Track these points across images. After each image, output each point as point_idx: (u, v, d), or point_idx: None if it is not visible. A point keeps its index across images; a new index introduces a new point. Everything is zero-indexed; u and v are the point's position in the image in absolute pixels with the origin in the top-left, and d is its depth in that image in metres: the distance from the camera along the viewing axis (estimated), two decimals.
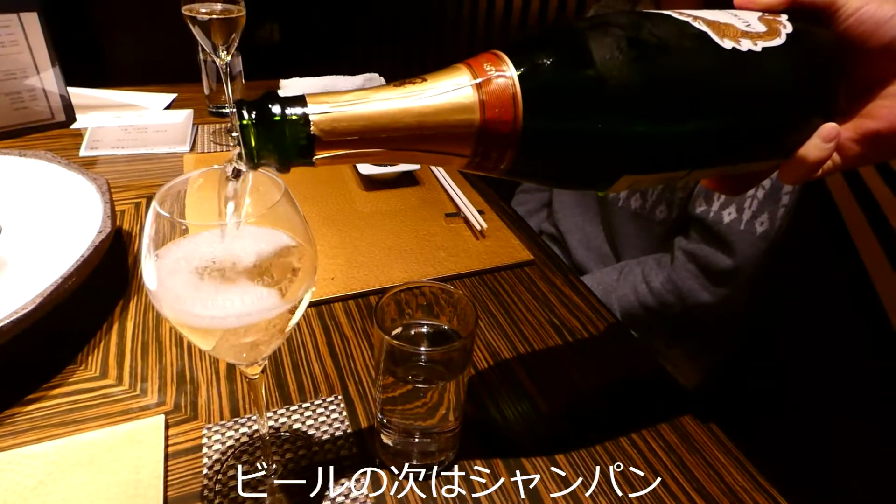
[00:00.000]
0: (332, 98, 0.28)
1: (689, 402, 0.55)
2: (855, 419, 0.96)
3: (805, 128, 0.36)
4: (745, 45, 0.32)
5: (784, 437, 0.99)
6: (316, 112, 0.27)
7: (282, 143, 0.28)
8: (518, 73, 0.29)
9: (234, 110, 1.04)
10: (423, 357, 0.43)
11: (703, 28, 0.32)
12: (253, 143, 0.28)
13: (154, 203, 0.29)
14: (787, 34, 0.34)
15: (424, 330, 0.45)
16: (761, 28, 0.34)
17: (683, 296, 0.82)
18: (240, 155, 0.28)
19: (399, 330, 0.45)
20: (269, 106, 0.27)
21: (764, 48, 0.33)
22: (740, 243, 0.78)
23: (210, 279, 0.29)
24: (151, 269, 0.29)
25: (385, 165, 0.88)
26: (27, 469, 0.43)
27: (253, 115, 0.27)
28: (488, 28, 2.16)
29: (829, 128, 0.35)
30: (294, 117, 0.27)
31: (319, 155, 0.28)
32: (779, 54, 0.33)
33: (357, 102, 0.28)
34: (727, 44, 0.32)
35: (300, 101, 0.28)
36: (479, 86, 0.29)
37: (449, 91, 0.29)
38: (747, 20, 0.34)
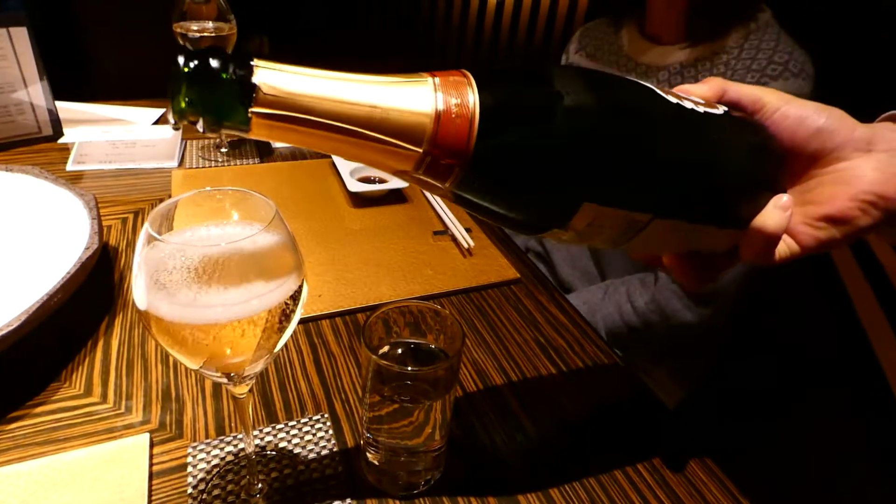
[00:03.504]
0: (285, 66, 0.26)
1: (672, 422, 0.56)
2: (836, 437, 0.98)
3: (756, 194, 0.38)
4: (688, 104, 0.35)
5: (765, 456, 1.00)
6: (265, 76, 0.26)
7: (218, 101, 0.26)
8: (480, 96, 0.29)
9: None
10: (409, 376, 0.43)
11: (651, 86, 0.34)
12: (184, 95, 0.25)
13: (146, 225, 0.29)
14: (725, 111, 0.37)
15: (412, 349, 0.46)
16: (701, 102, 0.36)
17: (667, 315, 0.83)
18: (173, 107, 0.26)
19: (386, 349, 0.45)
20: (212, 59, 0.25)
21: (705, 112, 0.35)
22: None
23: (200, 284, 0.29)
24: (142, 286, 0.29)
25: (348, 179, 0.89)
26: (9, 489, 0.42)
27: (193, 65, 0.25)
28: (477, 45, 2.19)
29: (783, 196, 0.38)
30: (236, 75, 0.25)
31: (256, 122, 0.26)
32: (719, 120, 0.36)
33: (310, 75, 0.27)
34: (672, 99, 0.34)
35: (247, 60, 0.26)
36: (440, 96, 0.28)
37: (409, 91, 0.28)
38: (688, 98, 0.37)
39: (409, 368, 0.44)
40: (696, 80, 0.83)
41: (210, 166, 0.96)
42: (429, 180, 0.30)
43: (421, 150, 0.29)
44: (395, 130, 0.28)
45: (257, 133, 0.27)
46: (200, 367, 0.32)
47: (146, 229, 0.29)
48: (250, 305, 0.29)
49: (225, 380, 0.33)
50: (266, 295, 0.30)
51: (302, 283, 0.32)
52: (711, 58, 0.82)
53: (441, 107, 0.28)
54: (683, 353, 0.94)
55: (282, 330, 0.32)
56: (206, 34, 0.86)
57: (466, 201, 0.32)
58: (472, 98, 0.29)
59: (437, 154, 0.29)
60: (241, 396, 0.37)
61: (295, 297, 0.31)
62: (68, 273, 0.55)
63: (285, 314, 0.31)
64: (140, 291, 0.29)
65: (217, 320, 0.28)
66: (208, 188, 0.32)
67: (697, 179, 0.35)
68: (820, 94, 0.77)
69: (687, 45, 0.86)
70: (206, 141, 1.04)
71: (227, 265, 0.29)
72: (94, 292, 0.63)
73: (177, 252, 0.29)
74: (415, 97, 0.28)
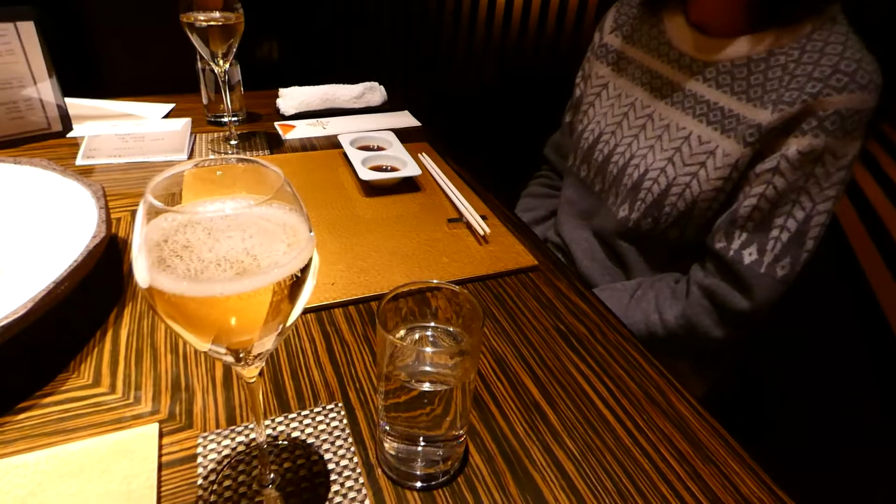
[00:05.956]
0: None
1: (700, 412, 0.53)
2: (867, 426, 0.94)
3: None
4: None
5: (795, 444, 0.97)
6: None
7: None
8: None
9: (232, 119, 1.03)
10: (428, 358, 0.41)
11: None
12: None
13: (146, 195, 0.28)
14: None
15: (430, 333, 0.44)
16: None
17: (696, 331, 0.79)
18: None
19: (403, 332, 0.43)
20: None
21: None
22: (759, 287, 0.74)
23: (203, 255, 0.27)
24: (143, 260, 0.28)
25: (385, 170, 0.87)
26: (16, 479, 0.41)
27: None
28: (487, 38, 2.16)
29: None
30: None
31: None
32: None
33: None
34: None
35: None
36: None
37: None
38: None
39: (428, 349, 0.42)
40: (747, 82, 0.74)
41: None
42: None
43: None
44: None
45: None
46: (209, 348, 0.30)
47: (146, 199, 0.27)
48: (257, 278, 0.27)
49: (233, 359, 0.32)
50: (275, 266, 0.28)
51: (312, 254, 0.30)
52: (768, 58, 0.73)
53: None
54: (704, 360, 0.90)
55: (292, 303, 0.30)
56: (213, 23, 0.84)
57: None
58: None
59: None
60: (252, 381, 0.35)
61: (305, 269, 0.30)
62: (75, 261, 0.53)
63: (295, 287, 0.29)
64: (141, 266, 0.28)
65: (222, 293, 0.26)
66: (211, 156, 0.30)
67: None
68: (884, 107, 0.69)
69: (741, 39, 0.76)
70: (216, 134, 1.03)
71: (232, 235, 0.28)
72: (102, 283, 0.62)
73: (179, 222, 0.28)
74: None
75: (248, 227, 0.29)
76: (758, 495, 0.46)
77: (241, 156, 0.31)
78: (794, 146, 0.70)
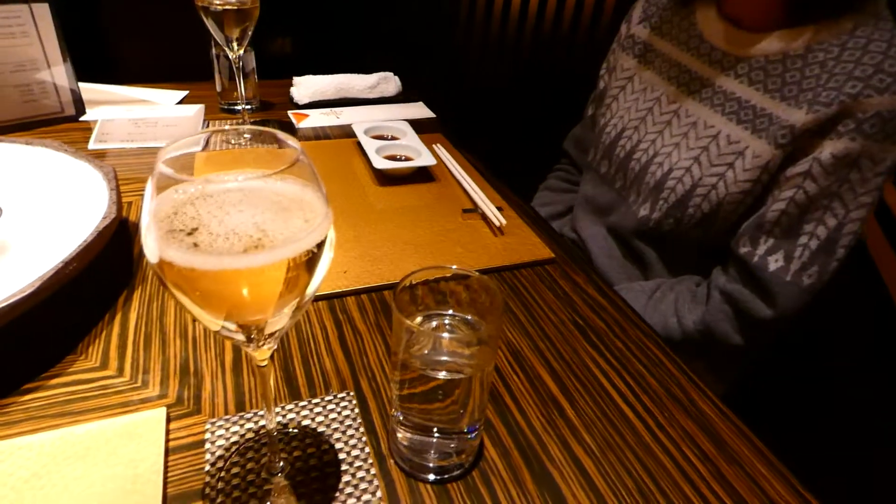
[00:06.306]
0: None
1: (723, 411, 0.51)
2: (891, 431, 0.92)
3: None
4: None
5: (820, 446, 0.95)
6: None
7: None
8: None
9: (246, 107, 1.02)
10: (445, 346, 0.40)
11: None
12: None
13: (158, 165, 0.26)
14: None
15: (447, 321, 0.42)
16: None
17: (715, 338, 0.76)
18: None
19: (419, 319, 0.42)
20: None
21: None
22: (784, 296, 0.70)
23: (215, 227, 0.26)
24: (153, 232, 0.26)
25: (400, 159, 0.85)
26: (20, 460, 0.40)
27: None
28: (503, 30, 2.14)
29: None
30: None
31: None
32: None
33: None
34: None
35: None
36: None
37: None
38: None
39: (446, 335, 0.40)
40: (782, 79, 0.70)
41: (233, 147, 0.93)
42: None
43: None
44: None
45: None
46: (221, 326, 0.29)
47: (158, 169, 0.26)
48: (270, 252, 0.26)
49: (245, 339, 0.30)
50: (289, 241, 0.27)
51: (328, 230, 0.29)
52: (805, 54, 0.69)
53: None
54: (721, 364, 0.87)
55: (306, 280, 0.28)
56: (228, 7, 0.83)
57: None
58: None
59: None
60: (263, 364, 0.34)
61: (320, 245, 0.28)
62: (84, 241, 0.52)
63: (310, 264, 0.28)
64: (151, 239, 0.26)
65: (234, 267, 0.25)
66: (226, 126, 0.29)
67: None
68: None
69: (777, 34, 0.72)
70: (230, 121, 1.02)
71: (245, 208, 0.26)
72: (113, 266, 0.61)
73: (191, 193, 0.26)
74: None
75: (262, 201, 0.27)
76: (786, 499, 0.44)
77: (259, 127, 0.29)
78: (828, 149, 0.66)
